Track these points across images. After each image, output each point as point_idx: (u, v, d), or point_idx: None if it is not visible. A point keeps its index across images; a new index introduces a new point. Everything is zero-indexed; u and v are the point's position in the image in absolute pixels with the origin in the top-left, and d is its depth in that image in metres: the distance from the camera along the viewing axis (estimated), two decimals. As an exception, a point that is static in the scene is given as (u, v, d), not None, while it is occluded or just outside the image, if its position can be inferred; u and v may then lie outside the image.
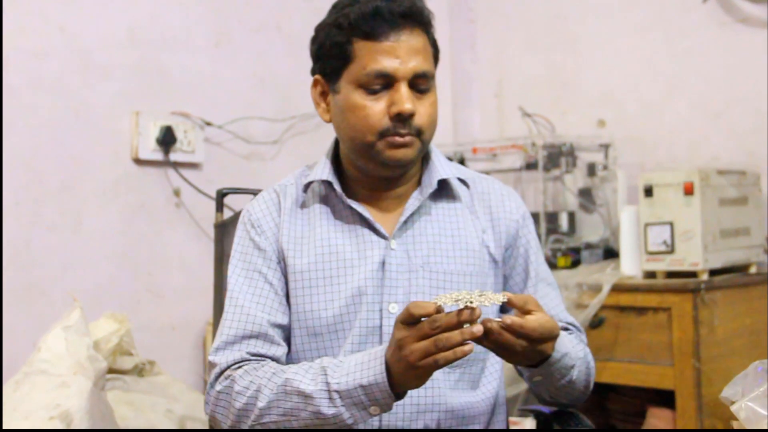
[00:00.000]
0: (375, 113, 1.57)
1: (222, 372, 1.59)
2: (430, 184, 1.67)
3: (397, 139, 1.58)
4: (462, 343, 1.34)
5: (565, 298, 2.85)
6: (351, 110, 1.59)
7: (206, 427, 2.33)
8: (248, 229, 1.69)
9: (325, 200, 1.69)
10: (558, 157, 3.25)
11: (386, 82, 1.58)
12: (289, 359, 1.66)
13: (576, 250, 3.19)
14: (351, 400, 1.44)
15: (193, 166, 3.05)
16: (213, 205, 2.30)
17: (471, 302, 1.36)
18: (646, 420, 2.87)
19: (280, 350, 1.63)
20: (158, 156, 2.94)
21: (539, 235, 3.16)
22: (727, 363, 2.68)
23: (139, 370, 2.58)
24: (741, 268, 2.92)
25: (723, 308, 2.73)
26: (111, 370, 2.46)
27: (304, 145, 3.30)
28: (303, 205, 1.70)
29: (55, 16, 2.72)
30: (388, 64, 1.57)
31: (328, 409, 1.46)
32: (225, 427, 1.58)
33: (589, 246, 3.23)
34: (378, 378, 1.42)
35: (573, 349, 1.60)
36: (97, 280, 2.79)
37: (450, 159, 3.41)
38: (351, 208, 1.65)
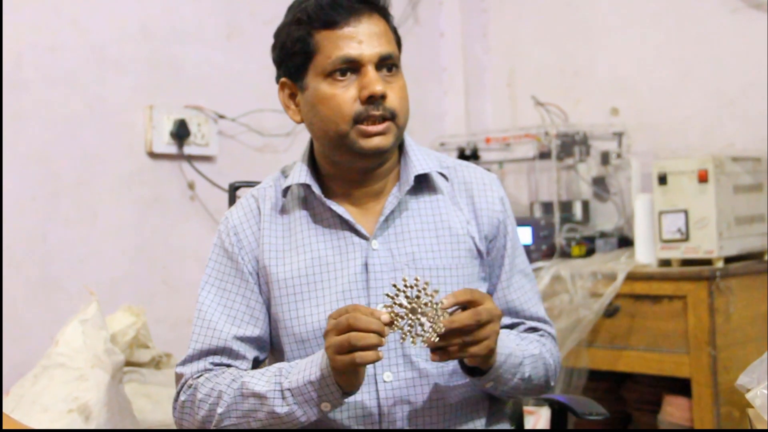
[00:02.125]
0: (346, 100, 1.56)
1: (185, 382, 1.64)
2: (407, 180, 1.65)
3: (370, 128, 1.56)
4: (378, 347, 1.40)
5: (580, 287, 2.85)
6: (321, 102, 1.58)
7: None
8: (223, 239, 1.69)
9: (304, 203, 1.68)
10: (571, 145, 3.25)
11: (352, 67, 1.57)
12: None
13: (590, 239, 3.19)
14: (302, 398, 1.49)
15: (206, 159, 3.06)
16: (227, 197, 2.31)
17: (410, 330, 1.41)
18: (662, 408, 2.87)
19: (245, 364, 1.65)
20: (172, 149, 2.95)
21: (553, 224, 3.16)
22: (743, 350, 2.68)
23: (156, 363, 2.59)
24: (756, 256, 2.91)
25: (738, 295, 2.73)
26: (128, 363, 2.48)
27: (317, 136, 3.29)
28: (282, 210, 1.69)
29: (67, 10, 2.73)
30: (352, 49, 1.56)
31: (281, 408, 1.50)
32: (192, 429, 1.62)
33: (603, 235, 3.23)
34: (324, 372, 1.46)
35: (517, 347, 1.61)
36: (113, 274, 2.81)
37: (463, 150, 3.46)
38: (331, 209, 1.64)
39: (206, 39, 3.08)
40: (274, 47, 1.66)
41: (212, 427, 1.58)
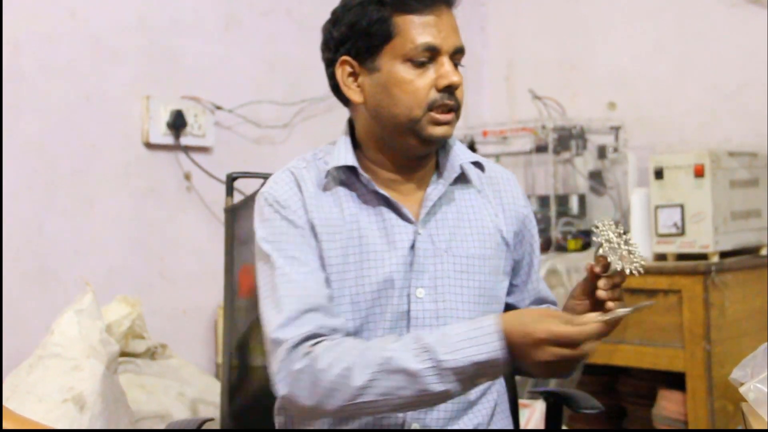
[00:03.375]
0: (423, 86, 1.58)
1: (294, 347, 1.52)
2: (453, 169, 1.67)
3: (441, 116, 1.59)
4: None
5: (575, 281, 2.85)
6: (397, 85, 1.59)
7: (217, 410, 2.33)
8: (278, 210, 1.63)
9: (345, 185, 1.66)
10: (568, 139, 3.25)
11: (432, 55, 1.59)
12: None
13: (586, 233, 3.19)
14: (463, 375, 1.43)
15: (203, 150, 3.06)
16: (224, 189, 2.30)
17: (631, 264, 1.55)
18: (656, 402, 2.88)
19: (341, 322, 1.57)
20: (169, 140, 2.95)
21: (549, 218, 3.17)
22: (738, 345, 2.69)
23: (151, 354, 2.60)
24: (752, 250, 2.91)
25: (733, 290, 2.73)
26: (123, 354, 2.48)
27: (314, 128, 3.30)
28: (325, 188, 1.66)
29: (65, 0, 2.73)
30: (434, 37, 1.58)
31: (436, 386, 1.43)
32: (307, 404, 1.50)
33: (599, 229, 3.23)
34: (497, 354, 1.41)
35: None
36: (109, 264, 2.81)
37: (460, 142, 3.45)
38: (375, 192, 1.63)
39: (204, 30, 3.08)
40: (338, 23, 1.64)
41: (342, 402, 1.47)
